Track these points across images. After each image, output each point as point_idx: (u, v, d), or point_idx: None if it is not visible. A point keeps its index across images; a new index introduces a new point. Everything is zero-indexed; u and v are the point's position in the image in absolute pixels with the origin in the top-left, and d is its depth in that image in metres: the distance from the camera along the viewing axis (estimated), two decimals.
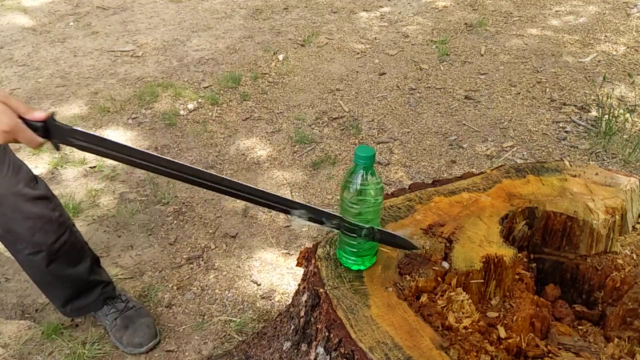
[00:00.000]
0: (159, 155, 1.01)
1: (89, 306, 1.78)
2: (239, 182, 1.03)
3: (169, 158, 1.01)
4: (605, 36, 3.81)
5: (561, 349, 1.02)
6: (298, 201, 1.06)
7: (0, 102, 0.95)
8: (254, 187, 1.04)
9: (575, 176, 1.36)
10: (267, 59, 3.71)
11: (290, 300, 1.25)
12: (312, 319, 1.03)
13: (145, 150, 1.01)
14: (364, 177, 0.97)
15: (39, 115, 0.99)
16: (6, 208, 1.45)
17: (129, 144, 1.03)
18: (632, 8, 4.20)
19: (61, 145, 1.02)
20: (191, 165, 1.02)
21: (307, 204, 1.05)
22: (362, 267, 1.06)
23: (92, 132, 1.00)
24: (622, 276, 1.18)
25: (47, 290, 1.73)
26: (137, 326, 1.78)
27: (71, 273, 1.67)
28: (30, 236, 1.51)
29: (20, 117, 0.98)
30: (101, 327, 1.86)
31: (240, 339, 1.80)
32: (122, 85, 3.41)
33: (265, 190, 1.05)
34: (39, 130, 1.00)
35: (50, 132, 1.00)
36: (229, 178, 1.03)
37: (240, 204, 2.45)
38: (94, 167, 2.69)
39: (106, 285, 1.80)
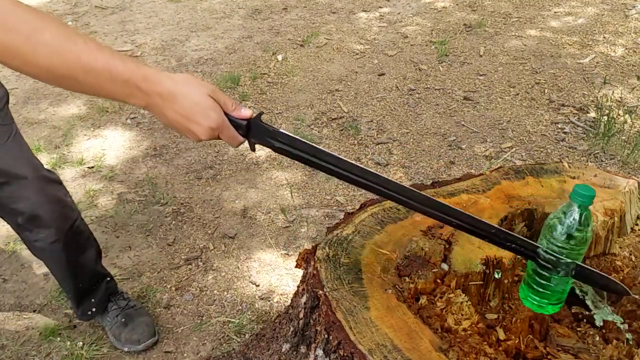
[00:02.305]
0: (370, 169, 0.93)
1: (97, 307, 1.79)
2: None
3: (379, 174, 0.92)
4: (604, 37, 3.82)
5: (560, 351, 1.02)
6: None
7: (209, 97, 0.91)
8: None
9: (574, 178, 1.36)
10: (266, 59, 3.71)
11: (289, 301, 1.24)
12: (311, 320, 1.02)
13: (355, 163, 0.93)
14: (578, 217, 0.89)
15: (245, 113, 0.95)
16: (32, 191, 1.46)
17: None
18: (630, 9, 4.21)
19: (257, 146, 0.96)
20: (402, 184, 0.93)
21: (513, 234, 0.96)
22: (543, 311, 0.99)
23: (296, 136, 0.94)
24: (621, 278, 1.18)
25: (65, 283, 1.73)
26: (136, 324, 1.79)
27: (81, 260, 1.68)
28: (52, 221, 1.52)
29: (225, 114, 0.94)
30: (99, 328, 1.86)
31: (239, 340, 1.80)
32: None
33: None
34: (241, 129, 0.96)
35: (251, 131, 0.96)
36: (449, 206, 0.94)
37: (238, 204, 2.45)
38: (92, 167, 2.69)
39: (110, 280, 1.82)
